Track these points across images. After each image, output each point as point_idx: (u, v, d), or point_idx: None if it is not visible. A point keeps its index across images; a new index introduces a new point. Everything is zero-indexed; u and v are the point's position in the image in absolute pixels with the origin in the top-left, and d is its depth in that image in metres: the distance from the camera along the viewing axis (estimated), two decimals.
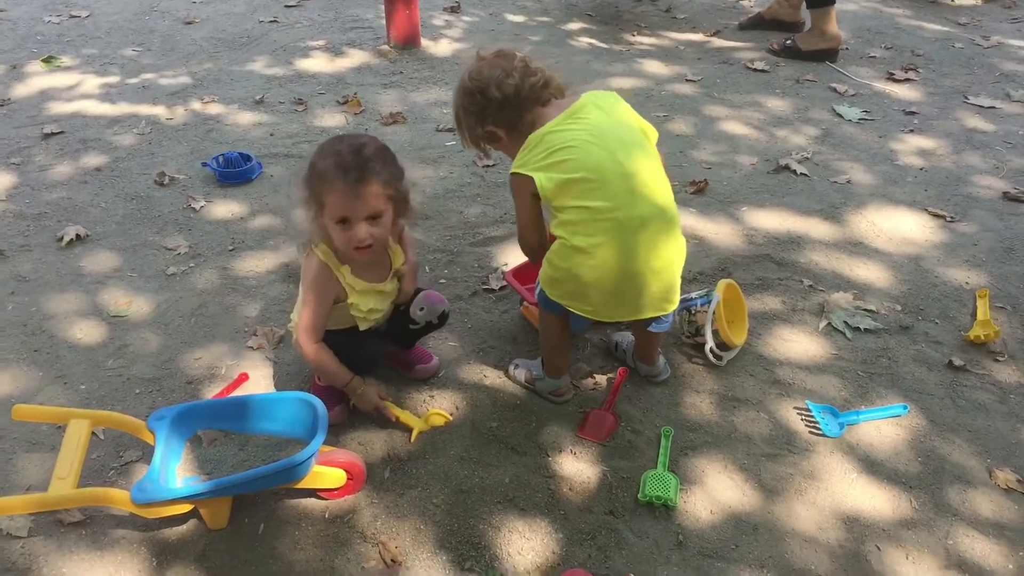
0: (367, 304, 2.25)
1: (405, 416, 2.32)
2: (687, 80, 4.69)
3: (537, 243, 2.28)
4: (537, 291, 2.29)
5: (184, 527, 2.07)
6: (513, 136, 2.24)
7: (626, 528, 2.07)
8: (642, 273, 2.11)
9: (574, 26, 5.54)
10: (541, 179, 2.08)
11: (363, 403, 2.30)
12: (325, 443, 2.04)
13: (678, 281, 2.24)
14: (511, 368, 2.54)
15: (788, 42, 4.95)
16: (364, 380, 2.31)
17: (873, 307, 2.83)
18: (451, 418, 2.36)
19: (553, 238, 2.18)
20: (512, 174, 2.17)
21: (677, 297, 2.25)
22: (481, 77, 2.20)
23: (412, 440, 2.28)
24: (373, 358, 2.42)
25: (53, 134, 4.07)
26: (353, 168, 2.02)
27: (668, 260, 2.17)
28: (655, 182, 2.14)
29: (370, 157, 2.05)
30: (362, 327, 2.29)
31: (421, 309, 2.41)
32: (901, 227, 3.31)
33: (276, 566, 1.98)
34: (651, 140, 2.26)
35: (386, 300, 2.32)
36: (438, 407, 2.42)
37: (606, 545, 2.03)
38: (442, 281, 2.96)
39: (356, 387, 2.28)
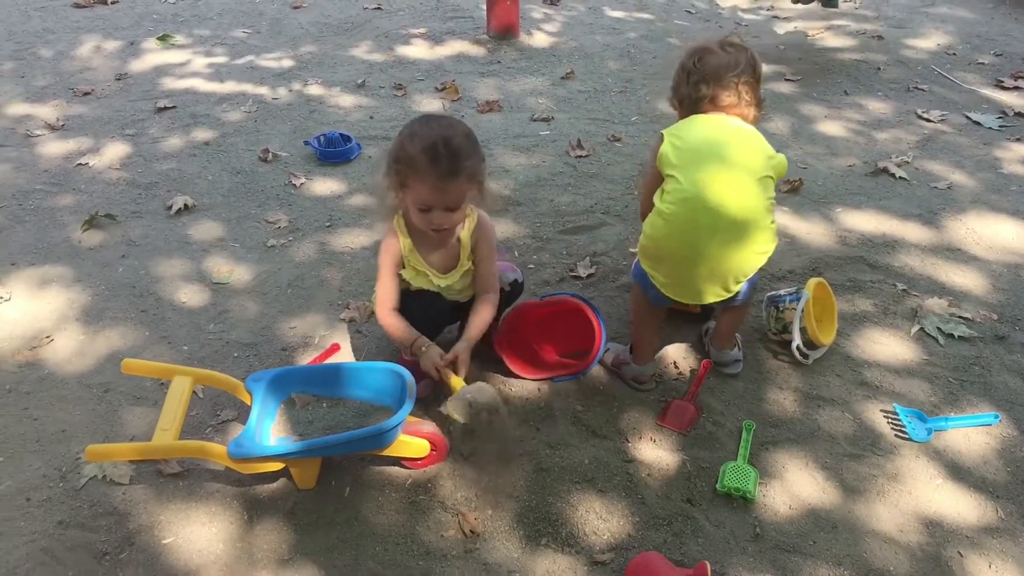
0: (417, 283, 2.32)
1: (456, 381, 2.22)
2: (786, 79, 4.63)
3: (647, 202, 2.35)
4: (635, 262, 2.38)
5: (274, 485, 2.16)
6: (685, 115, 2.38)
7: (703, 517, 2.08)
8: (704, 257, 2.18)
9: (673, 24, 5.52)
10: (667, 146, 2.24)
11: (424, 363, 2.25)
12: (411, 414, 2.10)
13: (745, 276, 2.26)
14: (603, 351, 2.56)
15: None
16: (430, 343, 2.29)
17: (968, 314, 2.77)
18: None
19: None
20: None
21: (744, 279, 2.27)
22: (701, 65, 2.31)
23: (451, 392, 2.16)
24: (438, 321, 2.43)
25: (166, 108, 4.26)
26: (444, 162, 2.06)
27: (734, 262, 2.21)
28: (738, 194, 2.18)
29: (460, 150, 2.08)
30: (413, 287, 2.35)
31: None
32: (1002, 235, 3.22)
33: (359, 527, 2.05)
34: (775, 173, 2.26)
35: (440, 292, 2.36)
36: (523, 388, 2.46)
37: (682, 531, 2.04)
38: (531, 266, 3.00)
39: (420, 346, 2.26)
